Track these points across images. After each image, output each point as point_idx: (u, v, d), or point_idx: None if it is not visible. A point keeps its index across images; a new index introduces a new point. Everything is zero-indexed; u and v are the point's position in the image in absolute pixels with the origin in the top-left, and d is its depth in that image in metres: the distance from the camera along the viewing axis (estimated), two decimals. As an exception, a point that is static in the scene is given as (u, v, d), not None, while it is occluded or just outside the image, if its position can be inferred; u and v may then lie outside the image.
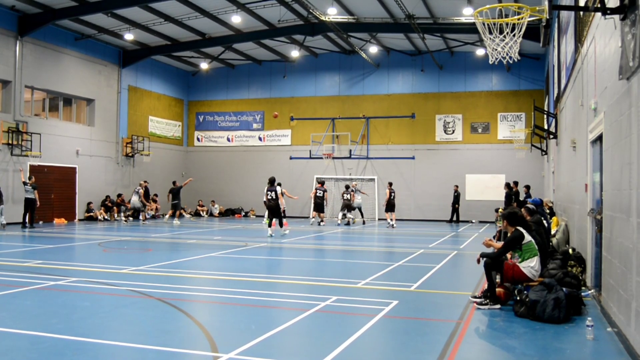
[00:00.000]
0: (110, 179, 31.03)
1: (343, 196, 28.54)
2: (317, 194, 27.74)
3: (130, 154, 32.26)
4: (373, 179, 33.82)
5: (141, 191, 28.24)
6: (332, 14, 26.19)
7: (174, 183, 29.36)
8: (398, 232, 24.55)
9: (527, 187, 25.44)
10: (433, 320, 8.03)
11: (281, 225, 20.88)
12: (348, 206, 28.25)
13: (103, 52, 30.80)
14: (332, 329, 7.37)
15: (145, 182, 31.14)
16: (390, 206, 27.05)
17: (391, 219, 27.27)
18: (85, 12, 25.57)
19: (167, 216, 28.69)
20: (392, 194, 27.21)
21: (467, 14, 24.76)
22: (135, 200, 28.18)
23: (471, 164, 32.45)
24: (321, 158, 33.43)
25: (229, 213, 35.65)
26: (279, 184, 28.34)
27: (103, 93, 30.74)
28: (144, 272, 12.05)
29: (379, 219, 32.71)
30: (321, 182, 28.75)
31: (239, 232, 23.58)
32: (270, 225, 20.63)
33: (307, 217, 33.29)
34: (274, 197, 20.53)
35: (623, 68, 6.41)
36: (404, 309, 8.65)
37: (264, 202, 21.65)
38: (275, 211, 20.72)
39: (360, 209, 29.16)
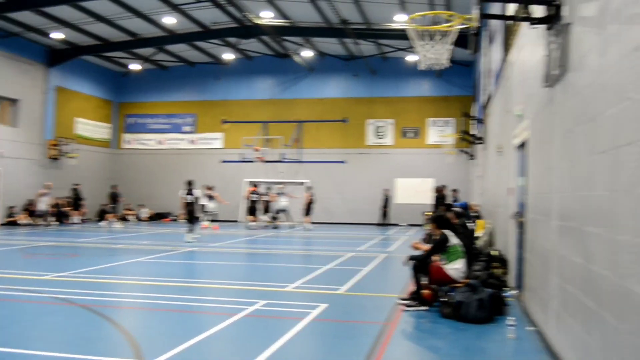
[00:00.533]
0: (35, 182, 29.86)
1: (262, 198, 28.47)
2: (252, 198, 27.53)
3: (56, 157, 31.22)
4: (305, 183, 33.83)
5: (41, 191, 27.65)
6: (267, 17, 26.14)
7: (114, 187, 29.05)
8: (328, 235, 24.65)
9: (455, 191, 25.99)
10: (361, 322, 8.08)
11: (192, 230, 19.94)
12: (267, 208, 28.28)
13: (29, 51, 29.72)
14: (261, 333, 7.31)
15: (77, 184, 30.69)
16: (308, 210, 27.67)
17: (307, 222, 28.01)
18: (10, 9, 24.55)
19: (115, 222, 28.86)
20: (312, 199, 27.80)
21: (399, 21, 25.12)
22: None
23: (401, 168, 32.89)
24: (253, 162, 33.24)
25: (157, 217, 34.96)
26: (211, 188, 28.25)
27: (28, 93, 29.67)
28: (67, 278, 11.67)
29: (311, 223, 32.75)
30: (255, 185, 28.50)
31: (168, 237, 23.17)
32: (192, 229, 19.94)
33: (237, 221, 33.04)
34: (192, 200, 19.81)
35: (547, 76, 6.60)
36: (333, 312, 8.66)
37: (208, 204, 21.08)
38: (192, 215, 19.86)
39: (285, 212, 29.28)
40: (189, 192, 19.86)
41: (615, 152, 4.12)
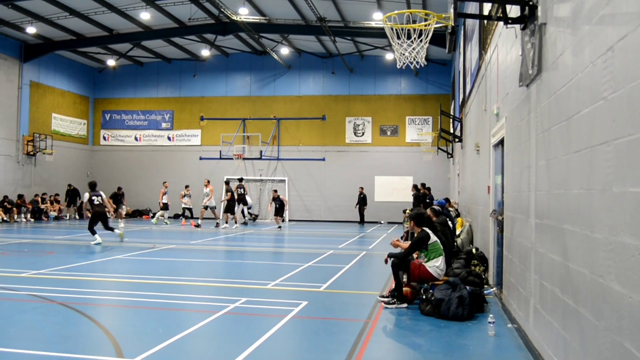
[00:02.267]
0: (10, 179, 29.63)
1: (237, 191, 28.29)
2: (239, 192, 27.35)
3: (31, 153, 30.94)
4: (284, 180, 33.86)
5: None
6: (244, 13, 26.08)
7: (119, 189, 28.69)
8: (308, 233, 24.69)
9: (428, 189, 26.13)
10: (342, 320, 8.12)
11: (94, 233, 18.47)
12: (243, 200, 28.05)
13: (3, 45, 29.40)
14: (241, 331, 7.32)
15: (71, 184, 31.01)
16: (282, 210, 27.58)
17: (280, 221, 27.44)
18: (-18, 3, 24.33)
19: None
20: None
21: (377, 19, 25.20)
22: None
23: (380, 166, 33.04)
24: (231, 159, 33.18)
25: (136, 214, 34.76)
26: (187, 186, 28.27)
27: (2, 88, 29.36)
28: (45, 275, 11.58)
29: (289, 220, 32.79)
30: (240, 179, 28.41)
31: (147, 234, 23.04)
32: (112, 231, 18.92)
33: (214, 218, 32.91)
34: (100, 201, 18.45)
35: (523, 75, 6.68)
36: (314, 309, 8.70)
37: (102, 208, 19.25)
38: (102, 217, 18.49)
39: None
40: (95, 195, 18.51)
41: (590, 151, 4.20)
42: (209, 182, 27.85)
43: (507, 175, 8.48)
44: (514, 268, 7.65)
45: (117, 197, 28.57)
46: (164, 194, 28.30)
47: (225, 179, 28.92)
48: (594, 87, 4.11)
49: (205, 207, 27.41)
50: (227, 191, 27.18)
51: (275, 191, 28.34)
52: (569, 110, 4.82)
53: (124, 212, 31.45)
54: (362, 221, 31.32)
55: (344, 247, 18.68)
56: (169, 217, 29.46)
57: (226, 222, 26.78)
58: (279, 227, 26.79)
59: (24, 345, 6.50)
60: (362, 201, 31.29)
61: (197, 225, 26.81)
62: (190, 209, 28.89)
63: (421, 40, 10.71)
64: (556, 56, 5.29)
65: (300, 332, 7.48)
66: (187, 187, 28.81)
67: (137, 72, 36.49)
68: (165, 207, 28.35)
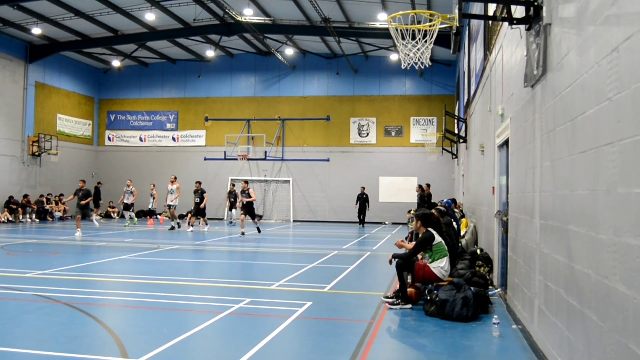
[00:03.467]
0: (15, 179, 29.70)
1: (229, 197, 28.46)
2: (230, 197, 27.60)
3: (37, 153, 31.01)
4: (288, 181, 33.87)
5: None
6: (248, 14, 26.10)
7: (98, 184, 28.46)
8: (312, 234, 24.67)
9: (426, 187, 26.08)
10: (346, 320, 8.11)
11: None
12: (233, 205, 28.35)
13: (8, 46, 29.47)
14: (246, 331, 7.32)
15: (99, 182, 31.36)
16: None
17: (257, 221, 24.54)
18: (-11, 4, 24.40)
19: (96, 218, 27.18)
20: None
21: (381, 19, 25.21)
22: None
23: (384, 166, 33.02)
24: (236, 159, 33.19)
25: (140, 215, 34.73)
26: (152, 185, 28.33)
27: (7, 89, 29.43)
28: (50, 276, 11.60)
29: (293, 221, 32.82)
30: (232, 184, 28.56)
31: (151, 234, 23.06)
32: None
33: (222, 219, 32.96)
34: None
35: (528, 76, 6.66)
36: (318, 309, 8.70)
37: None
38: None
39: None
40: None
41: (595, 152, 4.18)
42: (175, 178, 25.55)
43: (512, 175, 8.46)
44: (519, 269, 7.63)
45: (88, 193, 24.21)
46: (125, 192, 27.07)
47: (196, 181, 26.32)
48: (599, 88, 4.10)
49: (169, 206, 25.07)
50: (199, 192, 24.70)
51: (246, 182, 23.35)
52: (573, 111, 4.81)
53: (121, 212, 31.25)
54: (362, 222, 30.89)
55: (348, 247, 18.67)
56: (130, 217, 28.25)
57: (192, 225, 24.78)
58: (258, 228, 23.42)
59: (29, 345, 6.51)
60: (364, 201, 30.98)
61: (172, 227, 24.86)
62: (152, 211, 28.74)
63: (426, 41, 10.71)
64: (561, 57, 5.28)
65: (305, 332, 7.48)
66: (152, 185, 28.63)
67: (142, 72, 36.56)
68: (126, 207, 27.38)
